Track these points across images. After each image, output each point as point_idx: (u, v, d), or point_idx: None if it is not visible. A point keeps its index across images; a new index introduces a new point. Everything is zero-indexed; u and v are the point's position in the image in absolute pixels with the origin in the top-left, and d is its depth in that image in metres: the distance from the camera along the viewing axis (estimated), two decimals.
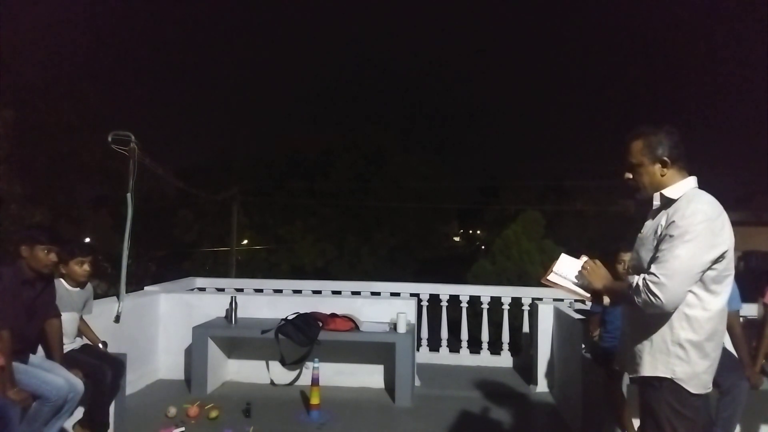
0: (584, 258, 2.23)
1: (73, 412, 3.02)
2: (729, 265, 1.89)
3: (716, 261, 1.84)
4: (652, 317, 1.90)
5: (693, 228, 1.81)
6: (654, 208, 2.03)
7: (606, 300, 2.17)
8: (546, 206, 23.17)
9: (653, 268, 1.84)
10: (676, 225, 1.83)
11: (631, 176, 2.07)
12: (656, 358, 1.91)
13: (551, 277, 2.24)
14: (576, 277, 2.20)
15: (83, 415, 3.26)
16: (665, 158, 1.97)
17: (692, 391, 1.87)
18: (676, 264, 1.80)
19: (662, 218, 1.94)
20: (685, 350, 1.87)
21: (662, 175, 1.99)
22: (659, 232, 1.91)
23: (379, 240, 24.72)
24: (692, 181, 1.99)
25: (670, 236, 1.83)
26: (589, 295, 2.20)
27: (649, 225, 2.03)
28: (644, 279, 1.85)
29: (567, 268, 2.24)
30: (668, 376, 1.88)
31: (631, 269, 2.09)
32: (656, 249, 1.90)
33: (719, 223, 1.85)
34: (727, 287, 1.90)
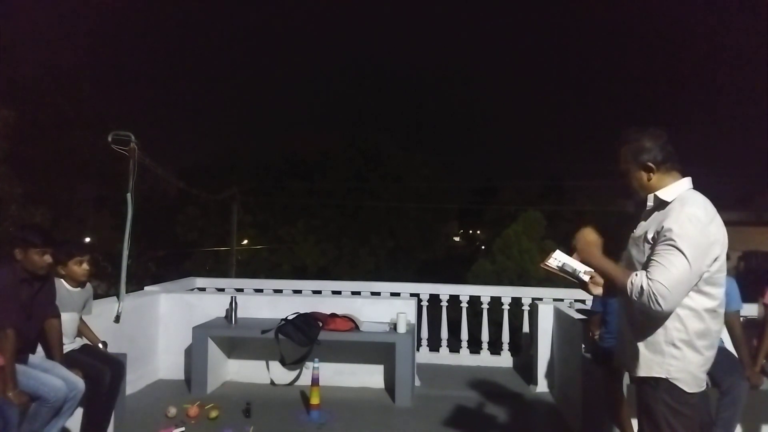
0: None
1: (73, 412, 3.02)
2: (722, 267, 1.90)
3: (710, 264, 1.85)
4: (647, 317, 1.91)
5: (690, 235, 1.81)
6: (647, 209, 2.03)
7: (598, 290, 2.15)
8: (546, 206, 23.17)
9: (658, 276, 1.80)
10: (673, 231, 1.82)
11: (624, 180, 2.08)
12: (651, 359, 1.92)
13: (550, 261, 2.24)
14: (568, 264, 2.20)
15: (83, 416, 3.25)
16: (649, 164, 1.97)
17: (687, 390, 1.88)
18: (680, 273, 1.79)
19: (656, 220, 1.94)
20: (680, 350, 1.88)
21: (649, 180, 2.00)
22: (652, 235, 1.91)
23: (379, 240, 24.71)
24: (686, 182, 1.98)
25: (669, 243, 1.82)
26: (587, 280, 2.19)
27: (642, 226, 2.03)
28: (650, 285, 1.80)
29: (564, 258, 2.25)
30: (664, 376, 1.89)
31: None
32: (651, 251, 1.89)
33: (713, 228, 1.86)
34: (719, 288, 1.90)
